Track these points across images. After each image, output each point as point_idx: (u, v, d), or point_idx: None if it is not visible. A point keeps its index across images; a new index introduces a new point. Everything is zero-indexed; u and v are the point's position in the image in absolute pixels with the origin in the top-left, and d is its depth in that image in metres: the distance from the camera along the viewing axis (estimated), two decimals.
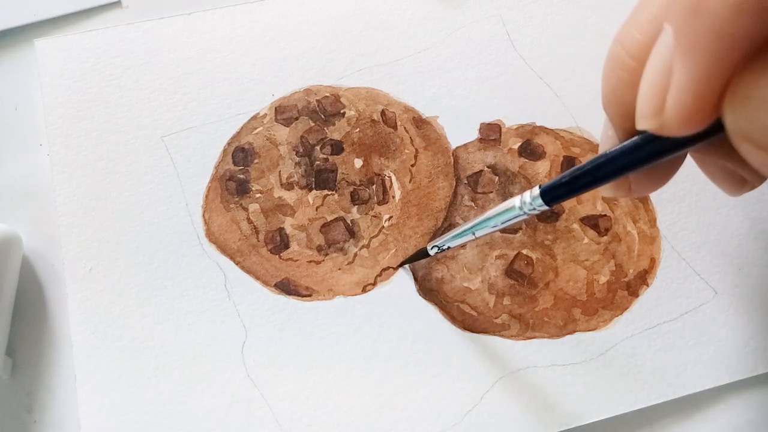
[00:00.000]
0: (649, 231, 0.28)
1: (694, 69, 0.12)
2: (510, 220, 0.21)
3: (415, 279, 0.27)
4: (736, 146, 0.13)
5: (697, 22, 0.12)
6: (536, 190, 0.19)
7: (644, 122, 0.14)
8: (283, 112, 0.30)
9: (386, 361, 0.26)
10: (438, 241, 0.24)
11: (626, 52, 0.15)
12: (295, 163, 0.29)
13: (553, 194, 0.19)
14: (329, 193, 0.28)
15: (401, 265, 0.27)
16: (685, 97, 0.13)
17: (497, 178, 0.29)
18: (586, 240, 0.28)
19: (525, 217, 0.20)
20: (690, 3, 0.12)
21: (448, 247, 0.24)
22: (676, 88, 0.13)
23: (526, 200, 0.20)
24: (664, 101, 0.13)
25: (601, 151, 0.17)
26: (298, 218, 0.28)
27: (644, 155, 0.15)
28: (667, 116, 0.13)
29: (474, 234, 0.22)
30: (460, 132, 0.30)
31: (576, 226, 0.28)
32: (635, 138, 0.15)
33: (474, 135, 0.30)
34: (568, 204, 0.28)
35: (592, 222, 0.28)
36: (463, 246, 0.28)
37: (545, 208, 0.19)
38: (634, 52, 0.15)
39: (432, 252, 0.25)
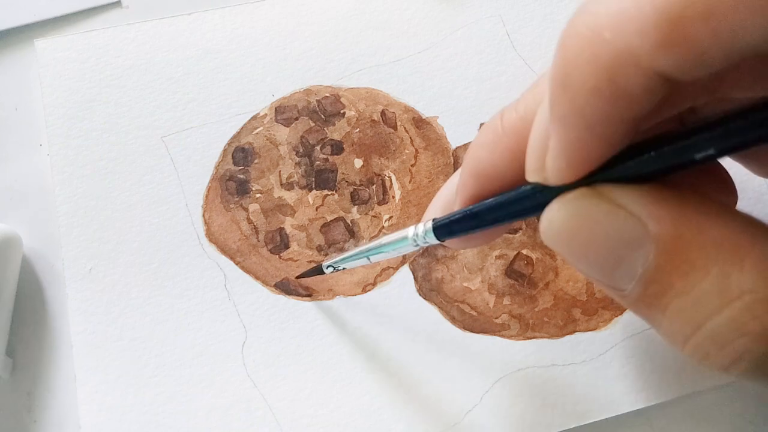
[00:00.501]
0: None
1: (563, 138, 0.14)
2: (402, 249, 0.21)
3: (415, 279, 0.27)
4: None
5: (564, 98, 0.13)
6: (429, 224, 0.19)
7: (532, 176, 0.15)
8: (283, 112, 0.30)
9: (386, 361, 0.26)
10: (332, 261, 0.24)
11: (501, 123, 0.17)
12: (295, 163, 0.29)
13: (445, 230, 0.19)
14: (329, 193, 0.28)
15: (299, 278, 0.27)
16: (558, 161, 0.14)
17: None
18: None
19: (417, 248, 0.20)
20: (559, 78, 0.13)
21: (343, 268, 0.24)
22: (551, 151, 0.14)
23: (419, 233, 0.20)
24: (545, 160, 0.14)
25: (435, 208, 0.19)
26: (298, 218, 0.28)
27: (538, 202, 0.16)
28: (548, 173, 0.14)
29: (368, 259, 0.22)
30: (460, 132, 0.30)
31: None
32: (528, 186, 0.16)
33: (474, 135, 0.30)
34: None
35: None
36: None
37: (437, 242, 0.19)
38: (506, 126, 0.17)
39: (327, 271, 0.24)
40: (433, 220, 0.19)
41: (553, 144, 0.14)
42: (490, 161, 0.17)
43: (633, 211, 0.13)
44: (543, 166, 0.15)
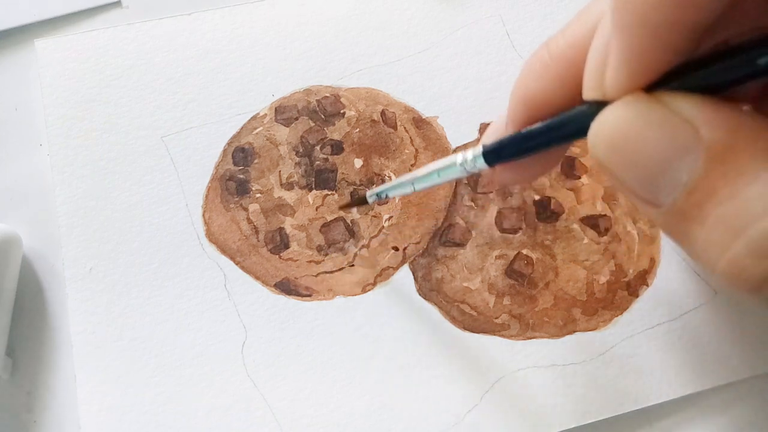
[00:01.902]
0: (649, 231, 0.28)
1: (625, 47, 0.14)
2: (450, 176, 0.21)
3: (415, 279, 0.27)
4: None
5: (627, 5, 0.13)
6: (479, 149, 0.19)
7: (590, 93, 0.15)
8: (283, 112, 0.30)
9: (386, 361, 0.26)
10: (378, 189, 0.24)
11: (548, 51, 0.17)
12: (295, 163, 0.29)
13: (495, 154, 0.19)
14: (329, 193, 0.28)
15: (342, 208, 0.27)
16: (619, 72, 0.14)
17: None
18: (586, 240, 0.28)
19: (465, 174, 0.20)
20: None
21: (387, 196, 0.24)
22: (612, 63, 0.14)
23: (468, 158, 0.20)
24: (603, 76, 0.15)
25: (494, 131, 0.19)
26: (298, 218, 0.28)
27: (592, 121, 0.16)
28: (607, 87, 0.15)
29: (414, 186, 0.22)
30: (460, 132, 0.30)
31: (576, 226, 0.28)
32: (584, 105, 0.16)
33: (474, 135, 0.30)
34: (568, 204, 0.28)
35: (592, 222, 0.28)
36: (462, 245, 0.28)
37: (485, 167, 0.19)
38: (553, 53, 0.17)
39: (371, 200, 0.24)
40: (483, 144, 0.19)
41: (614, 55, 0.14)
42: (539, 88, 0.17)
43: (687, 116, 0.13)
44: (601, 82, 0.15)
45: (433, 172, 0.21)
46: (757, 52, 0.13)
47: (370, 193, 0.24)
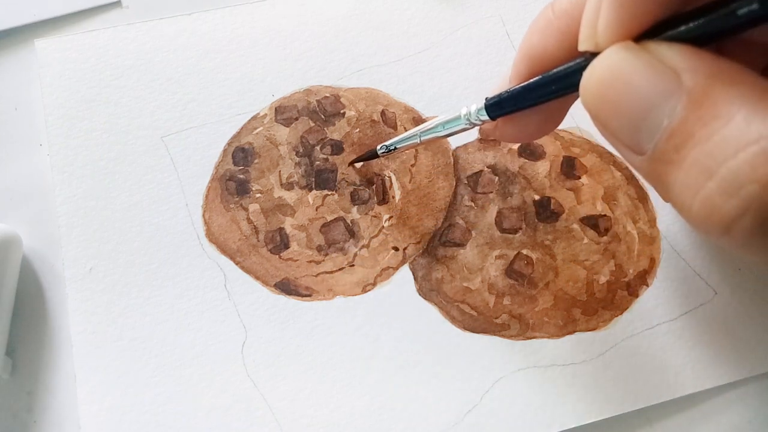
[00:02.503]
0: (649, 231, 0.28)
1: None
2: (454, 128, 0.22)
3: (415, 279, 0.27)
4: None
5: None
6: (482, 102, 0.20)
7: (584, 44, 0.16)
8: (283, 112, 0.30)
9: (386, 361, 0.26)
10: (387, 142, 0.25)
11: (552, 9, 0.18)
12: (295, 163, 0.29)
13: (496, 107, 0.20)
14: (329, 193, 0.28)
15: (352, 163, 0.28)
16: (609, 24, 0.15)
17: (497, 178, 0.29)
18: (586, 240, 0.28)
19: (469, 126, 0.21)
20: None
21: (395, 148, 0.25)
22: (603, 11, 0.15)
23: (472, 111, 0.21)
24: (597, 27, 0.15)
25: (498, 88, 0.20)
26: (298, 218, 0.28)
27: None
28: (599, 37, 0.15)
29: (420, 138, 0.24)
30: None
31: (576, 226, 0.28)
32: (579, 59, 0.17)
33: (474, 135, 0.30)
34: (568, 204, 0.28)
35: (592, 222, 0.28)
36: (462, 245, 0.28)
37: (488, 119, 0.20)
38: (557, 10, 0.18)
39: (380, 152, 0.26)
40: (486, 97, 0.20)
41: (606, 5, 0.15)
42: (542, 44, 0.18)
43: (671, 63, 0.14)
44: (595, 33, 0.15)
45: (438, 125, 0.23)
46: (738, 4, 0.13)
47: (380, 146, 0.25)
